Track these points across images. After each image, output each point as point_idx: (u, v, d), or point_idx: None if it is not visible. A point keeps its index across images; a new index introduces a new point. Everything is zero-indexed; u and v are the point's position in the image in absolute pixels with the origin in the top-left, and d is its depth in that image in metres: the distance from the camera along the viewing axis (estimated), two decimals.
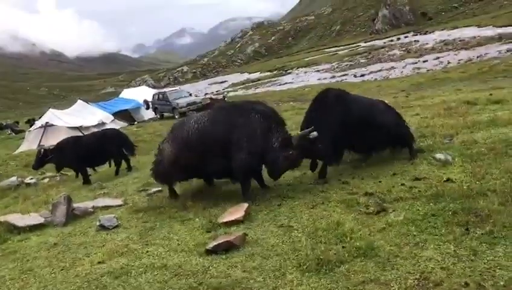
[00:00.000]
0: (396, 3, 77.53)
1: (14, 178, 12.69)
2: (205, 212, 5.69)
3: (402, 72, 33.19)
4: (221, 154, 5.88)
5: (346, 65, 47.87)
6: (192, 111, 26.75)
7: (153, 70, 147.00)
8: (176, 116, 27.26)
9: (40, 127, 23.95)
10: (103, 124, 25.33)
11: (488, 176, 5.11)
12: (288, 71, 58.71)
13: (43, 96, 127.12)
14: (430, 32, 54.85)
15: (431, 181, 5.34)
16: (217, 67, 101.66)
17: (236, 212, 5.17)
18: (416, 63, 35.80)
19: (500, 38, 35.60)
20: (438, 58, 35.17)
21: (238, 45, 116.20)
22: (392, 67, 36.30)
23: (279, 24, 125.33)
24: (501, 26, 40.94)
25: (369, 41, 66.47)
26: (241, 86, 55.14)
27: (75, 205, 6.66)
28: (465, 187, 4.86)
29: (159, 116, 30.99)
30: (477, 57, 30.83)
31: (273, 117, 6.05)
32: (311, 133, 5.76)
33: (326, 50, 73.50)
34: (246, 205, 5.33)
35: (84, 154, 10.53)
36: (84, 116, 25.54)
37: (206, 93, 50.36)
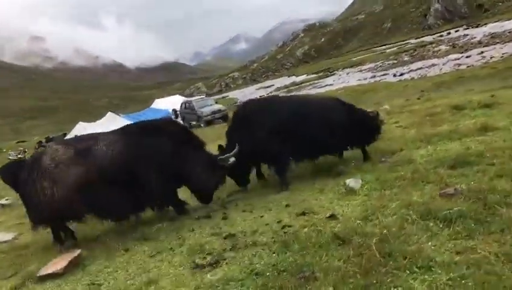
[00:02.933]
0: None
1: None
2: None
3: (441, 69, 31.41)
4: None
5: (390, 64, 46.21)
6: (217, 119, 26.79)
7: (208, 77, 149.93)
8: (202, 125, 27.42)
9: None
10: None
11: (379, 212, 4.54)
12: (333, 72, 57.66)
13: (104, 107, 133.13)
14: (482, 25, 51.70)
15: (314, 218, 4.86)
16: (266, 72, 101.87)
17: (61, 261, 4.72)
18: (458, 59, 33.76)
19: None
20: (482, 52, 32.94)
21: (288, 48, 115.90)
22: (432, 65, 34.48)
23: (330, 25, 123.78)
24: None
25: (420, 37, 63.91)
26: (285, 90, 54.71)
27: None
28: (338, 229, 4.30)
29: (187, 126, 31.38)
30: None
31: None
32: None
33: (375, 49, 71.50)
34: (77, 251, 4.96)
35: None
36: (111, 128, 26.22)
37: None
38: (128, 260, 4.74)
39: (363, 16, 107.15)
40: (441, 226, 3.98)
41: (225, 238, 4.75)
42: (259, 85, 76.03)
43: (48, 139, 53.49)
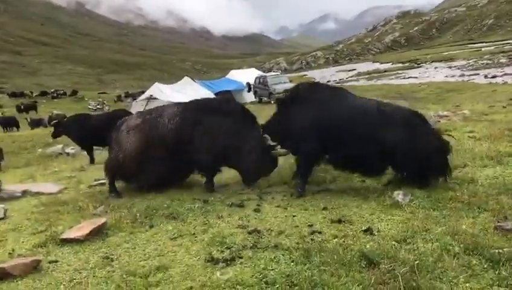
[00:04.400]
0: None
1: (60, 146, 13.87)
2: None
3: None
4: None
5: (483, 64, 43.05)
6: None
7: (291, 53, 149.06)
8: (272, 102, 27.21)
9: (144, 99, 25.72)
10: None
11: (419, 236, 4.07)
12: (420, 65, 54.93)
13: (186, 70, 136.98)
14: None
15: (348, 228, 4.47)
16: (350, 55, 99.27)
17: (85, 227, 4.72)
18: None
19: None
20: None
21: (378, 33, 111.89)
22: None
23: (426, 14, 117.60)
24: None
25: None
26: (366, 76, 52.98)
27: (5, 187, 7.00)
28: (369, 247, 3.89)
29: (257, 100, 31.24)
30: None
31: None
32: None
33: (470, 45, 67.03)
34: (102, 220, 4.97)
35: (89, 133, 10.67)
36: (187, 92, 26.74)
37: (328, 80, 49.60)
38: (149, 238, 4.65)
39: (463, 9, 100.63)
40: (485, 266, 3.46)
41: (250, 233, 4.51)
42: (340, 68, 74.32)
43: (127, 95, 56.13)
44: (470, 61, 46.63)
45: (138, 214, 5.34)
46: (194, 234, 4.66)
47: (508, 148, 7.05)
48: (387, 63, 64.81)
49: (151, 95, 25.54)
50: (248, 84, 32.03)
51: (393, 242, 4.00)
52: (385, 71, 54.32)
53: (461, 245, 3.78)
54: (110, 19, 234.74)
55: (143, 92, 33.24)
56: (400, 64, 58.78)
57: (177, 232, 4.74)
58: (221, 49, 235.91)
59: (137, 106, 26.30)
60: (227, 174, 6.97)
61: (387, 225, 4.49)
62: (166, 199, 6.07)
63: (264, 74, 35.36)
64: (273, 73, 39.26)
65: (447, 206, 4.81)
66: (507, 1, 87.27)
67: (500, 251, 3.56)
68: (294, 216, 4.96)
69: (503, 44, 57.20)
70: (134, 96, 43.29)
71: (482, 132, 8.74)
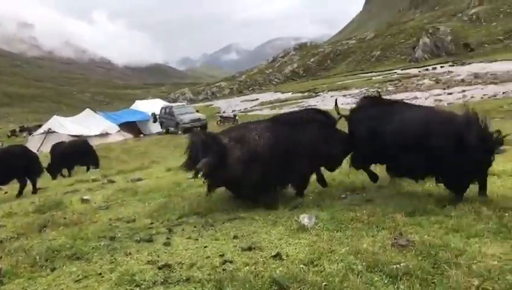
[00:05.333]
0: (439, 32, 75.48)
1: None
2: None
3: (424, 103, 31.70)
4: None
5: (374, 91, 46.51)
6: (196, 128, 26.44)
7: (195, 83, 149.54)
8: (179, 132, 27.03)
9: (42, 133, 24.26)
10: (107, 134, 25.40)
11: (325, 258, 4.26)
12: (318, 93, 57.89)
13: (85, 102, 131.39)
14: (467, 64, 52.74)
15: (259, 255, 4.54)
16: (253, 85, 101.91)
17: None
18: (440, 94, 34.23)
19: None
20: (464, 91, 33.47)
21: (278, 64, 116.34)
22: (415, 98, 34.78)
23: (321, 46, 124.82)
24: None
25: (406, 68, 64.88)
26: (269, 105, 54.65)
27: None
28: (279, 272, 3.96)
29: (164, 131, 30.87)
30: (503, 93, 29.05)
31: None
32: None
33: (362, 75, 72.23)
34: None
35: None
36: (88, 125, 25.75)
37: (233, 110, 50.47)
38: (50, 282, 4.31)
39: (354, 41, 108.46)
40: (386, 281, 3.72)
41: (160, 268, 4.39)
42: (245, 97, 75.85)
43: (22, 129, 52.40)
44: (363, 89, 50.10)
45: (38, 257, 4.95)
46: (100, 274, 4.42)
47: None
48: (288, 92, 67.35)
49: (50, 129, 24.15)
50: (154, 114, 31.53)
51: (302, 265, 4.13)
52: (286, 100, 56.44)
53: (363, 263, 4.02)
54: (1, 50, 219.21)
55: (40, 126, 31.31)
56: (300, 94, 61.43)
57: (81, 273, 4.47)
58: (123, 79, 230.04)
59: (33, 141, 24.71)
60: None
61: (295, 248, 4.64)
62: (69, 238, 5.71)
63: (170, 104, 35.11)
64: (179, 103, 39.10)
65: (349, 226, 5.10)
66: (391, 35, 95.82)
67: (398, 266, 3.85)
68: (205, 247, 4.94)
69: (390, 74, 62.38)
70: (30, 131, 40.52)
71: None
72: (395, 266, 3.85)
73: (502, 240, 4.42)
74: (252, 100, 67.09)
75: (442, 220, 5.02)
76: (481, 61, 52.04)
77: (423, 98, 33.86)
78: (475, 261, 3.90)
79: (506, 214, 5.00)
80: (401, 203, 5.71)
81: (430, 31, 76.03)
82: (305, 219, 5.32)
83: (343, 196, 6.61)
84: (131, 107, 35.70)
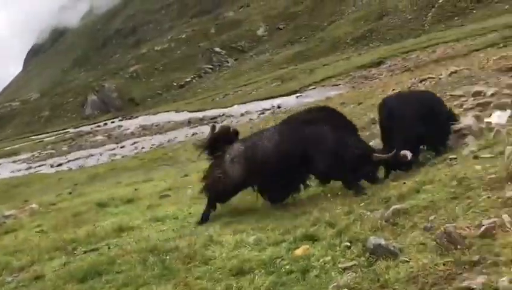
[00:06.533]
0: (105, 89, 78.77)
1: None
2: None
3: (98, 159, 32.27)
4: None
5: (47, 154, 44.52)
6: None
7: None
8: None
9: None
10: None
11: None
12: None
13: None
14: (135, 117, 56.71)
15: None
16: None
17: None
18: (114, 149, 35.57)
19: (189, 122, 38.76)
20: (135, 143, 35.78)
21: None
22: (90, 155, 35.14)
23: None
24: (192, 111, 44.97)
25: (79, 127, 64.82)
26: None
27: None
28: None
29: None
30: (168, 141, 32.42)
31: None
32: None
33: (32, 137, 67.96)
34: None
35: None
36: None
37: None
38: None
39: (18, 103, 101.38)
40: None
41: None
42: None
43: None
44: (35, 153, 47.23)
45: None
46: None
47: (72, 235, 7.52)
48: None
49: None
50: None
51: None
52: None
53: None
54: None
55: None
56: None
57: None
58: None
59: None
60: None
61: None
62: None
63: None
64: None
65: None
66: (58, 95, 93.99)
67: None
68: None
69: (63, 133, 61.04)
70: None
71: (50, 223, 9.01)
72: None
73: None
74: None
75: (114, 278, 5.24)
76: (146, 114, 56.80)
77: (97, 155, 34.47)
78: None
79: None
80: (73, 272, 5.63)
81: (96, 89, 78.65)
82: None
83: (13, 276, 6.02)
84: None
